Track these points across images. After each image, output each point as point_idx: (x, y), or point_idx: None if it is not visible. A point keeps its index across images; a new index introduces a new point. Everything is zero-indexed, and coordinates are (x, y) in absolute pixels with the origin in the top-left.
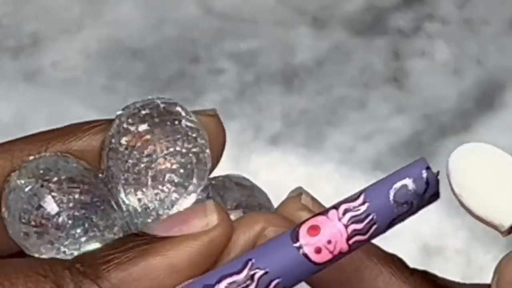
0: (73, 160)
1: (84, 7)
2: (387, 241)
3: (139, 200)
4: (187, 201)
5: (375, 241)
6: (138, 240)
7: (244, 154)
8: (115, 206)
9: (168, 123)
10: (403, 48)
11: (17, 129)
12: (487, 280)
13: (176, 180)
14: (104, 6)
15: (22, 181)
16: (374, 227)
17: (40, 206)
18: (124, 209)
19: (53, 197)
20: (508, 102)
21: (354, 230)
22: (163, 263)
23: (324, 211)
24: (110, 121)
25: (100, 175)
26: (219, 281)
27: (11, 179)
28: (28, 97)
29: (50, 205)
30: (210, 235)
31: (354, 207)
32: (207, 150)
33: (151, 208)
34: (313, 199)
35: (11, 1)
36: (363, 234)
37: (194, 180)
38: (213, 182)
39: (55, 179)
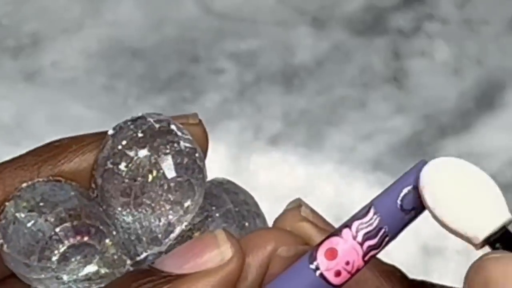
0: (68, 186)
1: (84, 7)
2: None
3: (135, 219)
4: (185, 218)
5: None
6: (154, 280)
7: (244, 154)
8: (111, 227)
9: (167, 146)
10: (403, 48)
11: (17, 129)
12: None
13: (172, 199)
14: (104, 6)
15: (23, 215)
16: (386, 239)
17: (43, 240)
18: (120, 228)
19: (55, 230)
20: (508, 102)
21: (369, 246)
22: None
23: (337, 231)
24: (99, 138)
25: (91, 194)
26: None
27: (7, 210)
28: (28, 97)
29: (54, 238)
30: (227, 269)
31: (366, 223)
32: (203, 164)
33: (146, 226)
34: (313, 210)
35: (11, 1)
36: (377, 248)
37: (195, 197)
38: None
39: (56, 210)
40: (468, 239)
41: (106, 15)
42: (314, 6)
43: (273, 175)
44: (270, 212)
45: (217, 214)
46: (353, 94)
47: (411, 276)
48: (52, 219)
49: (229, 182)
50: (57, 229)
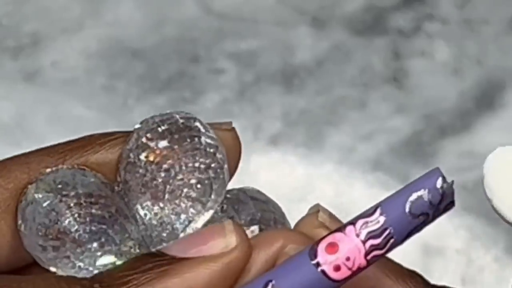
0: (90, 173)
1: (84, 7)
2: None
3: (156, 214)
4: (204, 217)
5: None
6: (156, 261)
7: (244, 154)
8: (131, 220)
9: (188, 139)
10: (403, 48)
11: (17, 129)
12: (487, 280)
13: (193, 196)
14: (104, 6)
15: (40, 195)
16: (391, 241)
17: (58, 221)
18: (140, 222)
19: (71, 212)
20: (508, 102)
21: (372, 245)
22: (181, 285)
23: (341, 228)
24: (127, 134)
25: (116, 188)
26: None
27: (28, 192)
28: (28, 97)
29: (68, 220)
30: (229, 257)
31: (371, 222)
32: (225, 166)
33: (167, 222)
34: (331, 216)
35: (11, 1)
36: (381, 249)
37: (213, 196)
38: (227, 195)
39: (73, 193)
40: None
41: (106, 15)
42: (314, 6)
43: (273, 175)
44: None
45: (242, 221)
46: (353, 94)
47: None
48: (68, 201)
49: (258, 191)
50: (72, 211)
